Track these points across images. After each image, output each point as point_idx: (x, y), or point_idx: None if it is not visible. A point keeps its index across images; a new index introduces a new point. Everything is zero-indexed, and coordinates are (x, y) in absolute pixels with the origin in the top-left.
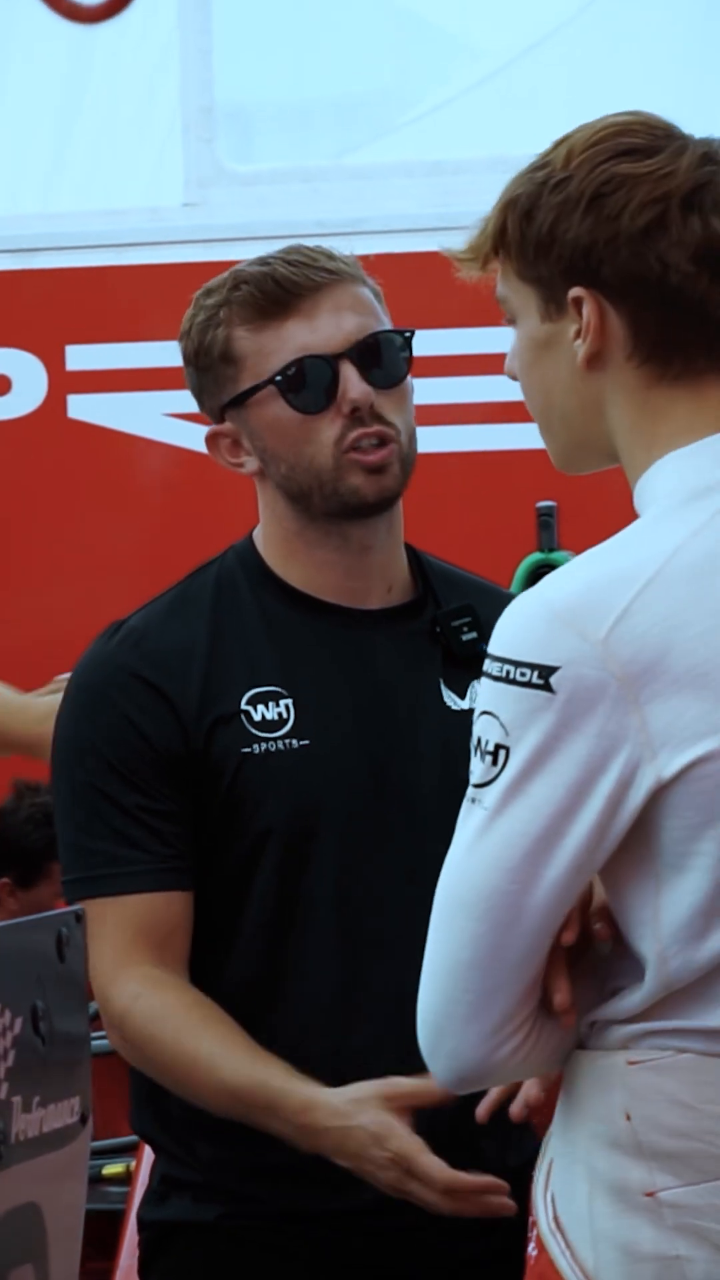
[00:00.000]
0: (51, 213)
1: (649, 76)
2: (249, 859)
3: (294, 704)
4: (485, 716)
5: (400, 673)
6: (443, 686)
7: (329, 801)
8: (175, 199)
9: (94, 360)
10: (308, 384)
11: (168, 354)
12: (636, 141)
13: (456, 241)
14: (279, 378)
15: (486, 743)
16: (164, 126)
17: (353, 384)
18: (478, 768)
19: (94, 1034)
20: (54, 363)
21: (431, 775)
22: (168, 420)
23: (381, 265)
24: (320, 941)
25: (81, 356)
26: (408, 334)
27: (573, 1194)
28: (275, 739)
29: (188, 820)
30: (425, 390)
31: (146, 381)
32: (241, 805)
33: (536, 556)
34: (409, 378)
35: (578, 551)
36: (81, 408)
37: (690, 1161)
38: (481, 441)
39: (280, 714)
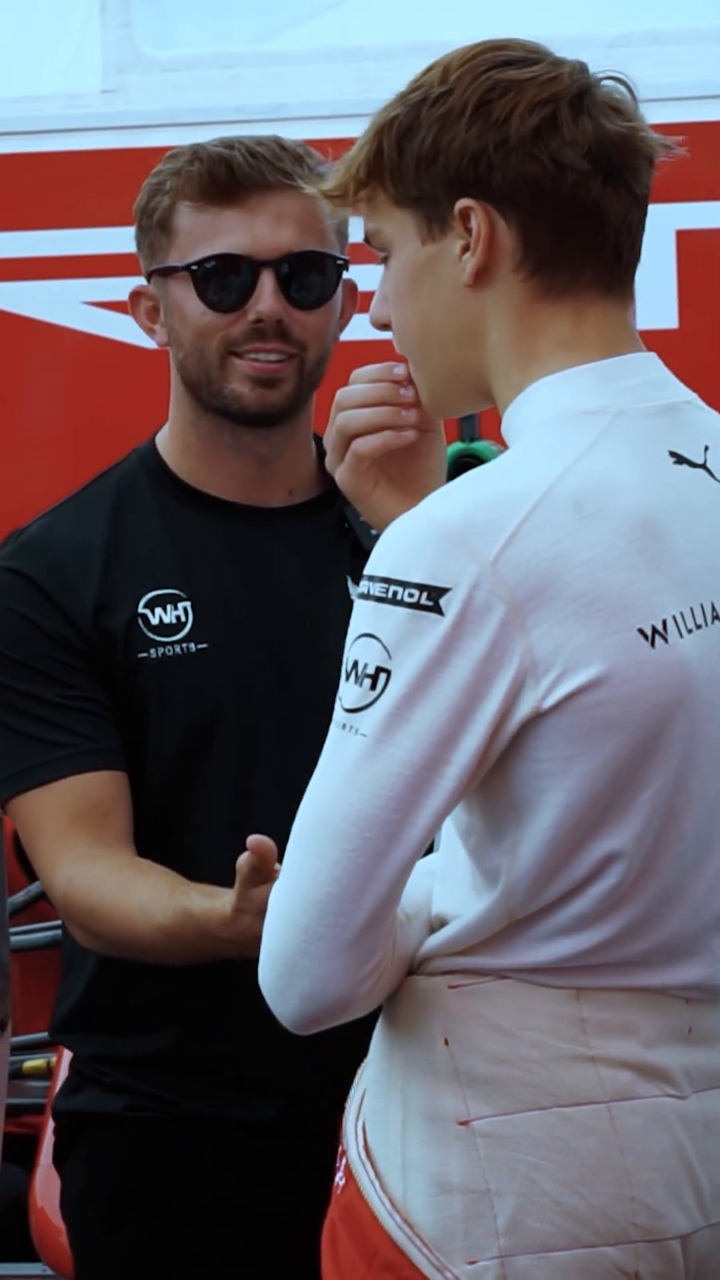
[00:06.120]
0: None
1: None
2: (152, 760)
3: (192, 606)
4: (364, 639)
5: (301, 568)
6: (350, 581)
7: (228, 703)
8: (94, 85)
9: (11, 248)
10: (224, 282)
11: (87, 241)
12: (514, 55)
13: (322, 181)
14: (196, 267)
15: (365, 666)
16: (82, 12)
17: (266, 295)
18: (353, 692)
19: (17, 929)
20: None
21: (336, 667)
22: (87, 308)
23: None
24: (214, 840)
25: None
26: (341, 261)
27: (385, 1122)
28: (173, 643)
29: (109, 711)
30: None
31: (65, 269)
32: (141, 709)
33: (458, 446)
34: (337, 302)
35: (500, 441)
36: None
37: (506, 1089)
38: None
39: (179, 617)
